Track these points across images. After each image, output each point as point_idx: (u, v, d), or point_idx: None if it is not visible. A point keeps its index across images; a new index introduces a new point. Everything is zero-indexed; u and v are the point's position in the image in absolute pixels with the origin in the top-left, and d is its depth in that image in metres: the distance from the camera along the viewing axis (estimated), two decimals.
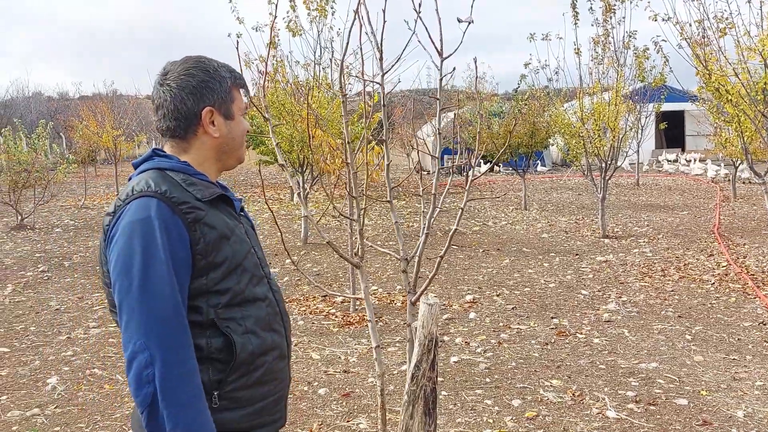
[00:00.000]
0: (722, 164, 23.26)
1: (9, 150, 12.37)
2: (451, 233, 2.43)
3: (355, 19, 2.52)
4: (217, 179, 1.88)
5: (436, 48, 2.46)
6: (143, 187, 1.65)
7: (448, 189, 2.75)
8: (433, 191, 2.52)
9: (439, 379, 5.02)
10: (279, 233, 12.47)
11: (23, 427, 4.28)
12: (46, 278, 8.70)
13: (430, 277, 2.51)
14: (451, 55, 2.45)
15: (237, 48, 2.36)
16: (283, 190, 20.75)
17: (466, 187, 2.50)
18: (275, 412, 1.81)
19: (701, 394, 4.59)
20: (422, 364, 2.30)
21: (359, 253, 2.49)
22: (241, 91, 1.84)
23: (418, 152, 3.52)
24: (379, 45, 2.49)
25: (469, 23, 2.49)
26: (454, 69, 2.41)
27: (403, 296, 7.58)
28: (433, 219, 2.56)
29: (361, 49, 2.53)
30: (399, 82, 3.08)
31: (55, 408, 4.57)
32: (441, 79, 2.49)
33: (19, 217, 12.87)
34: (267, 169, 27.60)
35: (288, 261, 9.70)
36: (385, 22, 2.46)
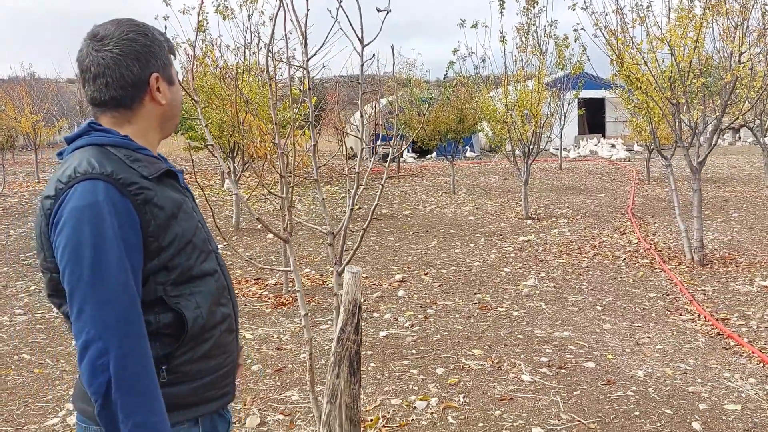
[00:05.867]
0: (619, 147, 25.02)
1: None
2: (372, 207, 2.64)
3: (280, 6, 2.68)
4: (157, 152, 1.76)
5: (357, 35, 2.65)
6: (86, 168, 1.53)
7: (374, 172, 2.95)
8: (356, 170, 2.72)
9: (368, 352, 5.28)
10: (212, 218, 12.47)
11: None
12: None
13: (354, 248, 2.71)
14: (371, 42, 2.65)
15: (165, 32, 2.47)
16: (214, 176, 20.56)
17: (385, 169, 2.71)
18: (223, 386, 1.78)
19: (607, 358, 4.99)
20: (347, 328, 2.51)
21: (288, 229, 2.67)
22: (170, 57, 1.76)
23: (343, 137, 3.71)
24: (304, 32, 2.67)
25: (387, 12, 2.69)
26: (374, 55, 2.60)
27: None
28: (357, 196, 2.76)
29: (286, 37, 2.69)
30: (323, 67, 3.25)
31: None
32: (362, 66, 2.68)
33: None
34: (197, 155, 27.20)
35: (221, 246, 9.72)
36: (308, 10, 2.64)
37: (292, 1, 2.66)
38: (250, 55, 10.28)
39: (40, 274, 1.70)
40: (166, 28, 2.52)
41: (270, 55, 2.97)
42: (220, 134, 10.58)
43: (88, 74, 1.63)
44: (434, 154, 26.19)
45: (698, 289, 6.87)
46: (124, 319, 1.50)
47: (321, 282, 7.58)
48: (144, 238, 1.56)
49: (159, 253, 1.59)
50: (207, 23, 10.60)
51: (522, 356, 5.07)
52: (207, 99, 10.20)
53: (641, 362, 4.90)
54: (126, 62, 1.61)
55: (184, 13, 10.67)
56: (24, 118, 18.99)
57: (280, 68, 9.64)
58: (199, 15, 2.89)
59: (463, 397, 4.35)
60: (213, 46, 10.56)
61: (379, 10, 2.68)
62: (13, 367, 5.05)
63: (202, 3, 2.93)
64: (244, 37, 10.12)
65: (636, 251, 8.77)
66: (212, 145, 2.96)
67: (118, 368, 1.47)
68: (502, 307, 6.43)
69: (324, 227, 2.76)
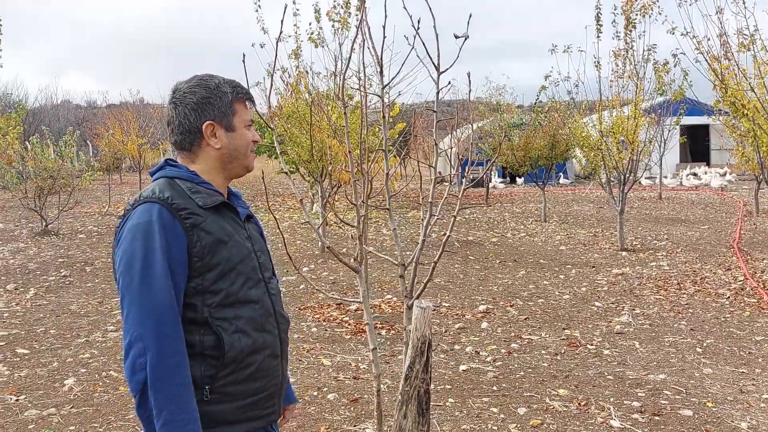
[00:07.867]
0: (716, 174, 23.70)
1: (36, 157, 12.69)
2: (444, 239, 2.51)
3: (357, 33, 2.63)
4: (230, 187, 2.01)
5: (433, 62, 2.55)
6: (149, 193, 1.82)
7: (455, 199, 2.83)
8: (429, 200, 2.61)
9: (446, 386, 5.10)
10: (287, 242, 12.61)
11: (39, 425, 4.43)
12: (67, 283, 8.91)
13: (425, 282, 2.59)
14: (447, 69, 2.54)
15: (243, 61, 2.48)
16: (305, 199, 20.96)
17: (459, 198, 2.59)
18: (267, 407, 1.92)
19: (707, 406, 4.60)
20: (415, 366, 2.38)
21: (359, 258, 2.58)
22: (247, 103, 1.97)
23: (418, 165, 3.60)
24: (380, 59, 2.60)
25: (465, 38, 2.58)
26: (449, 83, 2.50)
27: None
28: (430, 226, 2.64)
29: (363, 64, 2.63)
30: (399, 94, 3.18)
31: (71, 408, 4.71)
32: (438, 93, 2.58)
33: (44, 223, 13.17)
34: (289, 179, 27.88)
35: (305, 269, 9.80)
36: (384, 37, 2.57)
37: (369, 30, 2.60)
38: (341, 81, 10.38)
39: None
40: (245, 58, 2.56)
41: (356, 80, 2.93)
42: (310, 159, 10.73)
43: (167, 120, 1.97)
44: (522, 179, 25.66)
45: None
46: (163, 323, 1.70)
47: (401, 309, 7.45)
48: (189, 257, 1.77)
49: (204, 272, 1.79)
50: (301, 51, 10.86)
51: (612, 399, 4.75)
52: (298, 124, 10.38)
53: (745, 412, 4.48)
54: (184, 112, 1.89)
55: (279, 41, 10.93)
56: (130, 141, 20.06)
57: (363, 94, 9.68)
58: (276, 45, 2.88)
59: None
60: (306, 72, 10.76)
61: (456, 37, 2.58)
62: (100, 384, 5.20)
63: (280, 33, 2.92)
64: (335, 64, 10.23)
65: (742, 289, 8.16)
66: (287, 173, 2.92)
67: (153, 367, 1.67)
68: (591, 345, 6.10)
69: (396, 257, 2.66)
